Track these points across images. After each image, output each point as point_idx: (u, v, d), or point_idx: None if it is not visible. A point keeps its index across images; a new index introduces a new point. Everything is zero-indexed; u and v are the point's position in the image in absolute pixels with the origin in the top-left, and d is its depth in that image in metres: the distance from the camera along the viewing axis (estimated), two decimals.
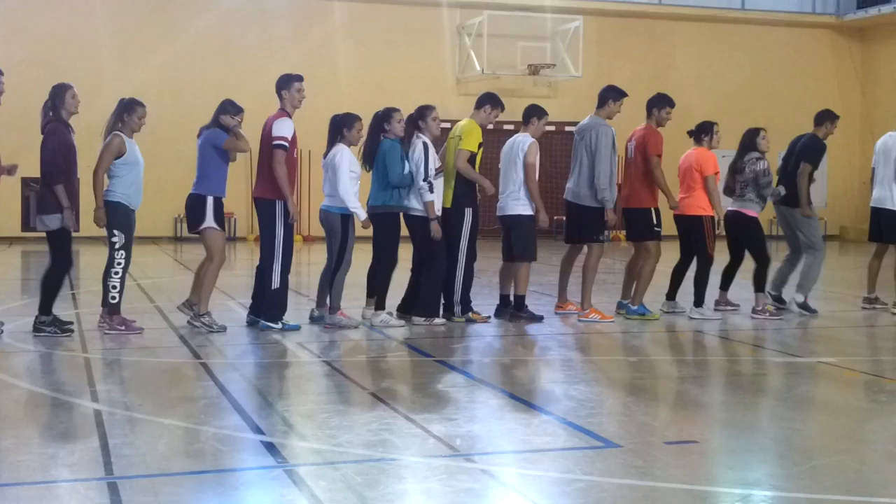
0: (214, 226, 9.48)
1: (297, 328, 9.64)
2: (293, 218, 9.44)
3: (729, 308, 11.23)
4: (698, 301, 10.80)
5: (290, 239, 9.54)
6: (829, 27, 28.02)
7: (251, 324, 9.83)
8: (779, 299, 11.46)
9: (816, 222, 11.47)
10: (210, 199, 9.42)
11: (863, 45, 28.28)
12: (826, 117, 11.59)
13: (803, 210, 11.26)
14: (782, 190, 11.21)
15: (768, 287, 11.25)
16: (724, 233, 11.05)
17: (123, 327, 9.32)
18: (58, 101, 9.12)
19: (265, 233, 9.56)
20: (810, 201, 11.29)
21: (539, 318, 10.42)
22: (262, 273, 9.63)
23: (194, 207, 9.50)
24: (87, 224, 9.76)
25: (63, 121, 9.13)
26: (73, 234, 9.33)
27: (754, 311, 10.90)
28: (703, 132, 10.89)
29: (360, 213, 9.72)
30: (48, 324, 9.14)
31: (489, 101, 10.38)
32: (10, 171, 9.23)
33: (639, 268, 10.77)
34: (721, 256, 11.09)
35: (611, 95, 10.62)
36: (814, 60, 27.69)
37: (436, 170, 9.91)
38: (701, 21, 26.93)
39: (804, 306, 11.19)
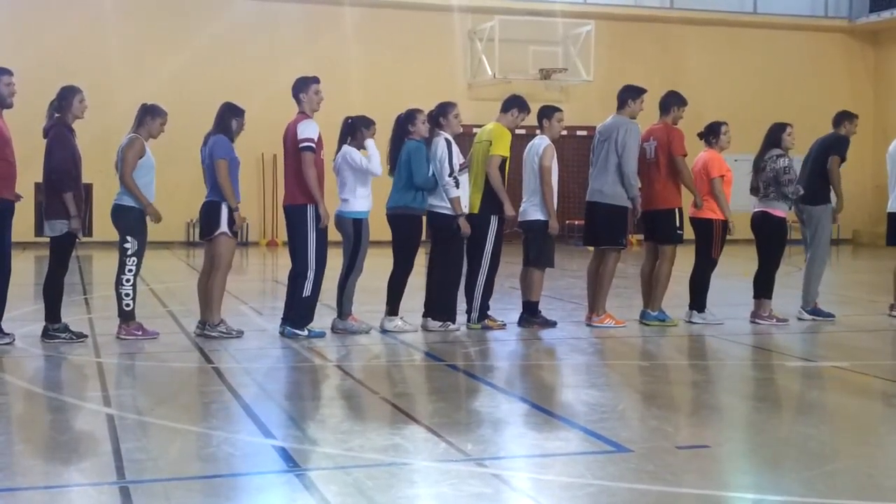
0: (228, 232, 9.44)
1: (322, 335, 9.54)
2: (325, 222, 9.33)
3: (767, 322, 10.77)
4: (700, 306, 10.71)
5: (324, 245, 9.40)
6: (841, 31, 27.97)
7: (283, 334, 9.58)
8: (816, 311, 11.21)
9: (829, 221, 11.31)
10: (225, 206, 9.37)
11: (875, 48, 28.21)
12: (843, 118, 11.50)
13: (839, 203, 11.19)
14: (800, 189, 11.09)
15: (802, 304, 11.16)
16: (751, 236, 10.91)
17: (140, 332, 9.31)
18: (65, 104, 9.03)
19: (298, 240, 9.37)
20: (829, 199, 11.20)
21: (553, 324, 10.37)
22: (295, 280, 9.47)
23: (209, 214, 9.44)
24: (99, 229, 9.80)
25: (67, 125, 9.04)
26: (85, 239, 9.31)
27: (759, 317, 10.77)
28: (711, 134, 10.80)
29: (377, 169, 9.64)
30: (61, 330, 9.14)
31: (516, 104, 10.27)
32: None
33: (655, 271, 10.66)
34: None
35: (629, 95, 10.47)
36: (826, 64, 27.64)
37: (460, 166, 9.82)
38: (712, 25, 26.91)
39: (816, 312, 11.10)
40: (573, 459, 5.60)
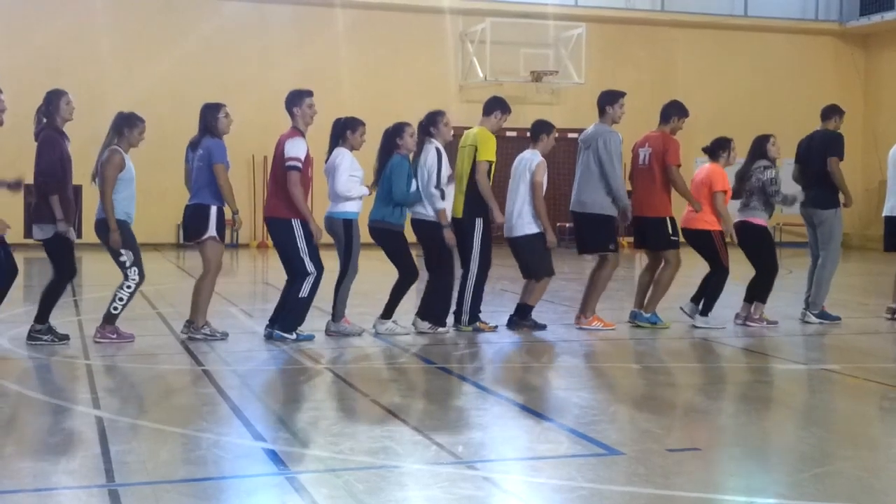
0: (216, 236, 9.40)
1: (311, 338, 9.51)
2: (317, 238, 9.32)
3: (756, 325, 10.82)
4: (705, 310, 10.69)
5: (316, 249, 9.39)
6: (831, 34, 28.02)
7: (268, 337, 9.54)
8: (823, 315, 11.20)
9: (841, 224, 11.27)
10: (214, 209, 9.31)
11: (866, 51, 28.28)
12: (833, 112, 11.41)
13: (848, 200, 11.13)
14: (799, 196, 11.07)
15: (810, 307, 11.13)
16: (736, 245, 10.94)
17: (115, 335, 9.27)
18: (52, 108, 8.99)
19: (289, 252, 9.34)
20: (838, 202, 11.17)
21: (542, 327, 10.37)
22: (293, 283, 9.39)
23: (196, 217, 9.38)
24: (89, 231, 9.74)
25: (57, 128, 9.01)
26: (76, 242, 9.28)
27: (752, 319, 10.79)
28: (720, 148, 10.71)
29: (364, 191, 9.67)
30: (44, 332, 9.11)
31: (498, 106, 10.27)
32: (15, 185, 9.02)
33: (657, 275, 10.63)
34: (738, 267, 11.01)
35: (607, 101, 10.45)
36: (817, 67, 27.69)
37: (448, 177, 9.85)
38: (704, 28, 26.93)
39: (823, 315, 11.05)
40: (564, 462, 5.59)
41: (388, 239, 9.84)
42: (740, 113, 24.63)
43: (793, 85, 27.05)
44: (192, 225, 9.45)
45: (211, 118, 9.36)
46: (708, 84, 26.14)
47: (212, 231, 9.32)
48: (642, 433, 6.27)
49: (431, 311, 10.00)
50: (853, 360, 9.21)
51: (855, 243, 26.21)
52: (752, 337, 10.27)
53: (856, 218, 25.97)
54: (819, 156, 11.22)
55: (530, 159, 10.19)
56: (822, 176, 11.17)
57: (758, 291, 10.82)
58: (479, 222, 10.07)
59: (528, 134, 10.44)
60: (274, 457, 5.61)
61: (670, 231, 10.52)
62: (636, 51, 26.12)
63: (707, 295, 10.70)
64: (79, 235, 9.13)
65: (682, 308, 10.87)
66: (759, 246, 10.86)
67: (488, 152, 9.99)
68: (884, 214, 11.57)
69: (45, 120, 9.02)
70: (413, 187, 9.73)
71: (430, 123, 9.97)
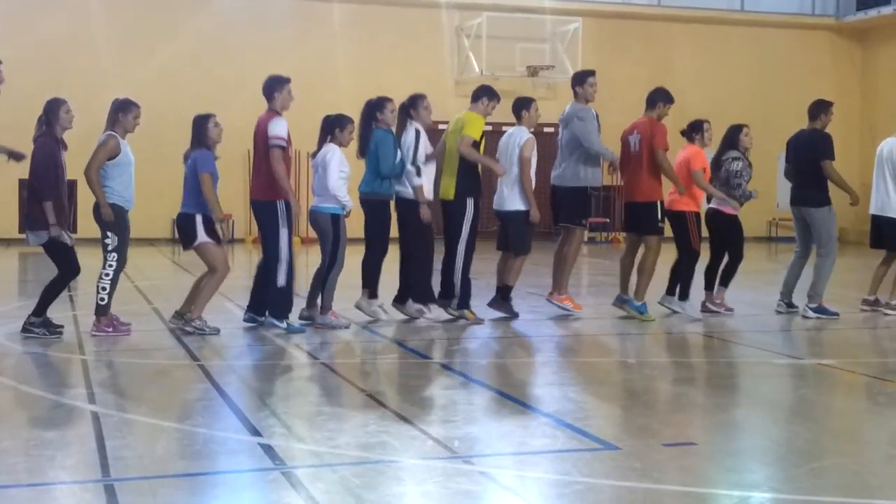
0: (208, 240, 9.46)
1: (302, 331, 9.59)
2: (298, 215, 9.49)
3: (716, 310, 11.11)
4: (683, 295, 10.88)
5: (290, 237, 9.55)
6: (828, 29, 28.00)
7: (248, 321, 9.81)
8: (791, 304, 11.35)
9: (834, 220, 11.25)
10: (199, 217, 9.40)
11: (862, 46, 28.27)
12: (821, 109, 11.31)
13: (854, 195, 11.16)
14: (754, 194, 11.13)
15: (808, 301, 11.17)
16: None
17: (111, 329, 9.29)
18: (51, 116, 9.07)
19: (268, 234, 9.53)
20: (829, 199, 11.17)
21: (514, 315, 10.54)
22: (267, 272, 9.62)
23: (185, 227, 9.51)
24: (84, 227, 9.74)
25: (54, 136, 9.08)
26: (72, 236, 9.29)
27: (712, 302, 11.00)
28: (693, 131, 10.93)
29: (349, 203, 9.82)
30: (38, 325, 9.13)
31: (486, 93, 10.47)
32: (18, 155, 9.24)
33: (640, 262, 10.76)
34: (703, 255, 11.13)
35: (576, 83, 10.87)
36: (813, 62, 27.67)
37: (426, 156, 10.00)
38: (700, 22, 26.91)
39: (821, 311, 11.07)
40: (560, 457, 5.59)
41: (375, 209, 10.01)
42: (737, 107, 24.49)
43: (789, 79, 27.02)
44: (183, 234, 9.64)
45: (201, 129, 9.50)
46: (704, 78, 26.10)
47: (202, 237, 9.44)
48: (638, 428, 6.28)
49: (418, 291, 10.15)
50: (849, 355, 9.22)
51: (852, 239, 26.20)
52: (747, 331, 10.29)
53: (852, 214, 25.93)
54: (806, 156, 11.19)
55: (518, 136, 10.38)
56: (810, 175, 11.13)
57: (724, 277, 11.01)
58: (469, 203, 10.20)
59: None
60: (270, 452, 5.61)
61: (659, 216, 10.64)
62: (632, 45, 26.09)
63: (681, 280, 10.89)
64: (74, 230, 9.14)
65: (661, 303, 10.97)
66: (728, 234, 11.02)
67: (473, 130, 10.18)
68: (870, 212, 11.65)
69: (44, 127, 9.09)
70: (398, 159, 9.94)
71: (411, 105, 10.17)
